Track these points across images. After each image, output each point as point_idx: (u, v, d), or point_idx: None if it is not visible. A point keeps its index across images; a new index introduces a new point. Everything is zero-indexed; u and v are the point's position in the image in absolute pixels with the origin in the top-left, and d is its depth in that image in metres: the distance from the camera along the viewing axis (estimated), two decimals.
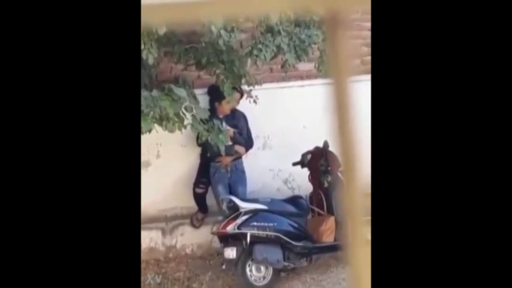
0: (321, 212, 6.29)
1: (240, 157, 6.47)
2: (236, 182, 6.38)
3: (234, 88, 5.81)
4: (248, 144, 6.49)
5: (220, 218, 6.06)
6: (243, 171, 6.47)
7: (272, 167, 6.90)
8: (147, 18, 0.73)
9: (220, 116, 6.23)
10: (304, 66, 6.50)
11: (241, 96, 6.25)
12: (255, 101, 5.94)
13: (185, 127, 4.67)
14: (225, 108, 6.23)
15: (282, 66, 5.64)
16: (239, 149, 6.38)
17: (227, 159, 6.32)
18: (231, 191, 6.28)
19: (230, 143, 6.27)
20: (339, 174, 6.09)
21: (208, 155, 6.33)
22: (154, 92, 4.47)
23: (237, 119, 6.40)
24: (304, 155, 6.45)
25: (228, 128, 6.26)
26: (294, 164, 6.48)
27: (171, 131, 4.52)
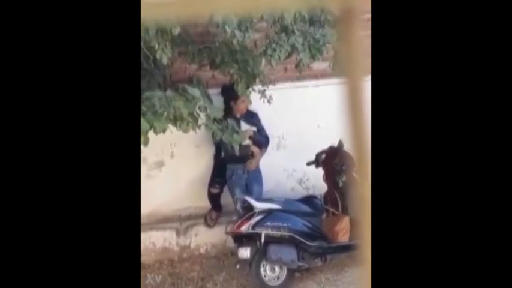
0: (336, 211, 6.27)
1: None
2: (252, 182, 6.37)
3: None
4: (265, 143, 6.49)
5: (234, 218, 6.05)
6: (259, 171, 6.46)
7: (286, 167, 6.89)
8: (160, 16, 0.73)
9: (238, 116, 6.22)
10: (319, 65, 6.48)
11: None
12: (269, 101, 5.92)
13: (199, 127, 4.67)
14: (241, 107, 6.22)
15: (296, 66, 5.61)
16: (254, 149, 6.36)
17: (254, 164, 6.32)
18: (247, 191, 6.28)
19: (249, 142, 6.25)
20: (354, 174, 6.06)
21: (223, 155, 6.33)
22: (169, 92, 4.47)
23: (255, 118, 6.40)
24: (318, 155, 6.43)
25: (249, 127, 6.25)
26: (308, 164, 6.46)
27: (185, 131, 4.52)
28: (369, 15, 0.76)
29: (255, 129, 6.35)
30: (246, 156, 6.22)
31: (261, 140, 6.42)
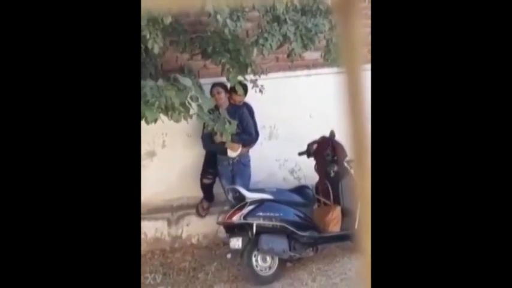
0: (327, 201, 6.28)
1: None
2: (236, 174, 6.35)
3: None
4: (248, 139, 6.42)
5: (226, 208, 6.05)
6: (245, 165, 6.42)
7: (278, 157, 6.90)
8: (151, 6, 0.71)
9: (224, 107, 6.16)
10: (311, 55, 6.48)
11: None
12: (260, 91, 5.91)
13: (191, 117, 4.66)
14: (218, 99, 6.16)
15: (288, 56, 5.61)
16: (233, 146, 6.25)
17: (235, 146, 6.22)
18: (233, 182, 6.26)
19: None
20: (345, 164, 6.08)
21: (206, 145, 6.33)
22: (160, 82, 4.45)
23: (239, 113, 6.26)
24: (310, 145, 6.43)
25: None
26: (300, 154, 6.47)
27: (177, 120, 4.51)
28: (363, 5, 0.75)
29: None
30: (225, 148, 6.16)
31: (243, 139, 6.30)
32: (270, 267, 5.77)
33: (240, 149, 6.30)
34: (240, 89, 5.88)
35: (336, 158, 6.21)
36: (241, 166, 6.38)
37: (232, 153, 6.26)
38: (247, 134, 6.33)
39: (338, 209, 6.10)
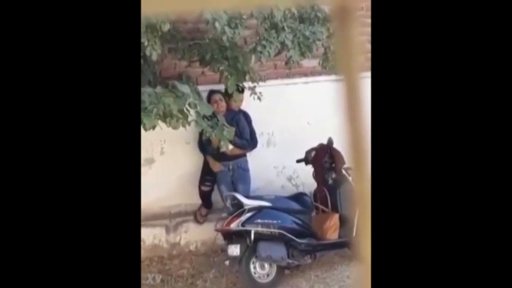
0: (325, 209, 6.28)
1: (242, 156, 6.44)
2: (237, 180, 6.36)
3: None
4: (245, 144, 6.44)
5: (224, 215, 6.04)
6: (245, 170, 6.44)
7: (276, 164, 6.90)
8: (149, 13, 0.72)
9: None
10: (309, 62, 6.49)
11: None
12: (259, 98, 5.91)
13: (189, 124, 4.66)
14: (217, 107, 6.20)
15: (286, 63, 5.62)
16: (214, 164, 6.40)
17: (216, 165, 6.35)
18: (233, 188, 6.27)
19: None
20: (343, 171, 6.08)
21: (205, 152, 6.35)
22: (158, 89, 4.45)
23: (236, 119, 6.31)
24: (308, 152, 6.43)
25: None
26: (298, 161, 6.47)
27: (175, 127, 4.51)
28: (360, 13, 0.76)
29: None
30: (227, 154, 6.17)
31: (241, 143, 6.35)
32: (268, 275, 5.76)
33: (220, 166, 6.38)
34: (237, 95, 5.90)
35: (334, 165, 6.22)
36: (242, 171, 6.40)
37: (215, 169, 6.37)
38: (244, 139, 6.36)
39: (336, 216, 6.10)
